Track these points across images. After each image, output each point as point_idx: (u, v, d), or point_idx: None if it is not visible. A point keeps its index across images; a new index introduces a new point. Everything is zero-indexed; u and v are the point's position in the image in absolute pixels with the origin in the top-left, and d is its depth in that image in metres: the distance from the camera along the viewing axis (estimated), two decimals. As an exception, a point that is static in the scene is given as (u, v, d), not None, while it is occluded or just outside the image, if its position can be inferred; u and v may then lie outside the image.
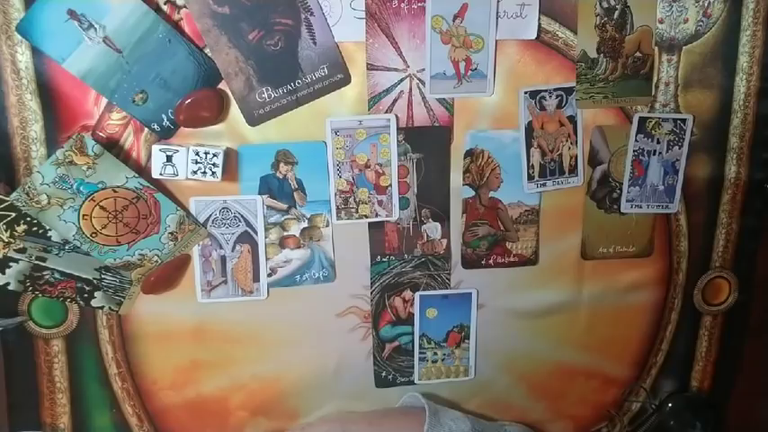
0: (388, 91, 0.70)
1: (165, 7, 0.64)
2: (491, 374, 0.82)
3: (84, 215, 0.66)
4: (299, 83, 0.68)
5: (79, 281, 0.69)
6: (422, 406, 0.74)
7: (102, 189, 0.66)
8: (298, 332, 0.76)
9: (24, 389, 0.73)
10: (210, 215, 0.71)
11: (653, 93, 0.75)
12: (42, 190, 0.64)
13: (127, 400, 0.75)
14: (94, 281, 0.70)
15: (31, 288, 0.69)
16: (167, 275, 0.71)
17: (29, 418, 0.74)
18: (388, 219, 0.74)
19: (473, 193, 0.75)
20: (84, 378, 0.74)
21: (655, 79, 0.74)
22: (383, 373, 0.80)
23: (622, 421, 0.87)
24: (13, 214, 0.65)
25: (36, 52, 0.63)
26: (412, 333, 0.79)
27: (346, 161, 0.71)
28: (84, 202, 0.66)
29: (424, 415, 0.72)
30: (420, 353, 0.80)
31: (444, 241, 0.76)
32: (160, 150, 0.66)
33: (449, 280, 0.78)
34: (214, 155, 0.67)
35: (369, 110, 0.70)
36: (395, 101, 0.71)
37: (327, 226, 0.74)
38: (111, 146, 0.66)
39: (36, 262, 0.68)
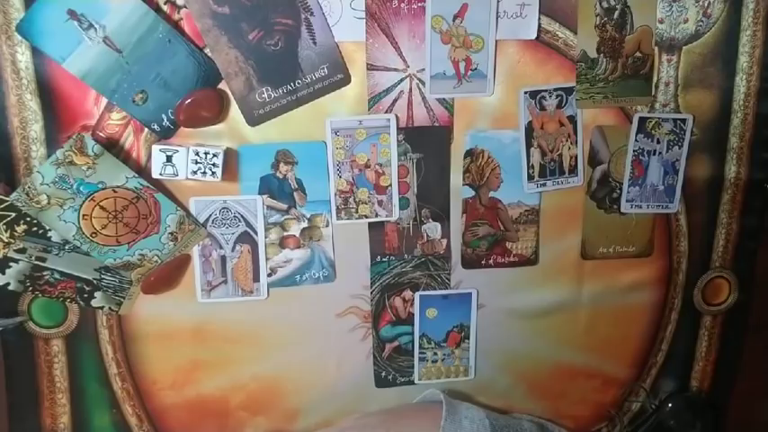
0: (387, 91, 0.70)
1: (165, 7, 0.64)
2: (491, 374, 0.82)
3: (84, 215, 0.66)
4: (299, 83, 0.68)
5: (79, 281, 0.69)
6: (438, 400, 0.73)
7: (102, 189, 0.66)
8: (298, 332, 0.76)
9: (24, 389, 0.73)
10: (210, 215, 0.71)
11: (653, 93, 0.75)
12: (42, 190, 0.64)
13: (127, 400, 0.75)
14: (94, 281, 0.70)
15: (31, 288, 0.69)
16: (167, 275, 0.71)
17: (29, 418, 0.74)
18: (388, 219, 0.74)
19: (473, 193, 0.75)
20: (84, 378, 0.74)
21: (655, 79, 0.74)
22: (383, 373, 0.80)
23: (622, 421, 0.87)
24: (13, 214, 0.65)
25: (36, 52, 0.63)
26: (412, 333, 0.79)
27: (346, 161, 0.71)
28: (84, 202, 0.66)
29: (440, 410, 0.71)
30: (420, 353, 0.80)
31: (444, 241, 0.76)
32: (160, 150, 0.66)
33: (449, 280, 0.78)
34: (214, 155, 0.67)
35: (369, 110, 0.70)
36: (395, 101, 0.71)
37: (327, 226, 0.74)
38: (111, 146, 0.66)
39: (36, 262, 0.68)
